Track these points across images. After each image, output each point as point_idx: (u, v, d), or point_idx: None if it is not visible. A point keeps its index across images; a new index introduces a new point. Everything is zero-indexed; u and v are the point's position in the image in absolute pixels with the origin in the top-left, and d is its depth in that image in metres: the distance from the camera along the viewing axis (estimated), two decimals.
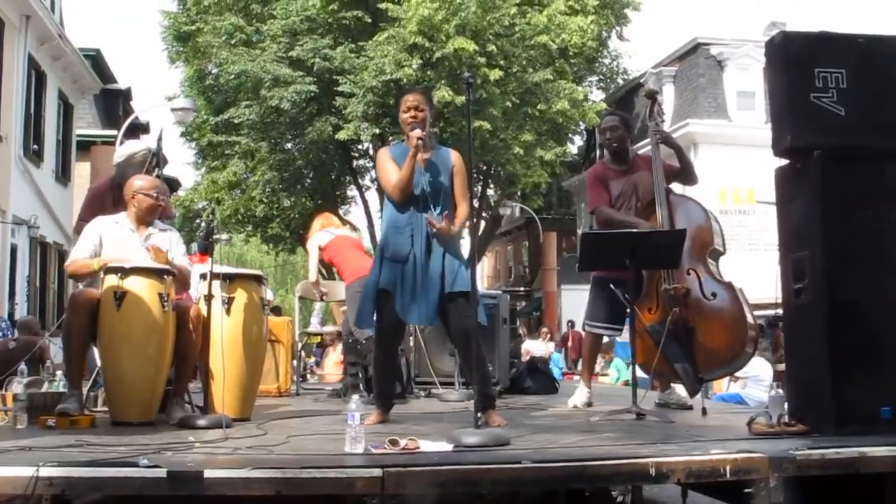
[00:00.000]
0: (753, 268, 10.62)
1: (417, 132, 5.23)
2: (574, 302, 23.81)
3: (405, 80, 21.10)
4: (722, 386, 10.74)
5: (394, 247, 5.33)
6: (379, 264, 5.40)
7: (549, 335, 24.17)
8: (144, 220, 5.64)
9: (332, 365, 14.29)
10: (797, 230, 4.77)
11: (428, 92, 5.81)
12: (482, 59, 21.48)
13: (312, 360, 19.60)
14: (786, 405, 4.72)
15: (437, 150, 5.56)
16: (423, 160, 5.36)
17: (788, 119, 4.70)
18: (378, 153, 5.77)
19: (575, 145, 32.78)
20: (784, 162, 4.89)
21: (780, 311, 4.99)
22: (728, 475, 3.68)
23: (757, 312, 6.21)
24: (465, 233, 5.31)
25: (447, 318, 5.28)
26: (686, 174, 6.61)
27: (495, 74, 21.41)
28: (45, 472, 3.28)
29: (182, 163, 36.32)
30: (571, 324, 24.25)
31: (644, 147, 6.82)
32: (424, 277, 5.26)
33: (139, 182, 5.68)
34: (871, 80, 4.68)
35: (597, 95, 28.56)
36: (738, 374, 8.60)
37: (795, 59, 4.71)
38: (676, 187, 6.58)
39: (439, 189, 5.37)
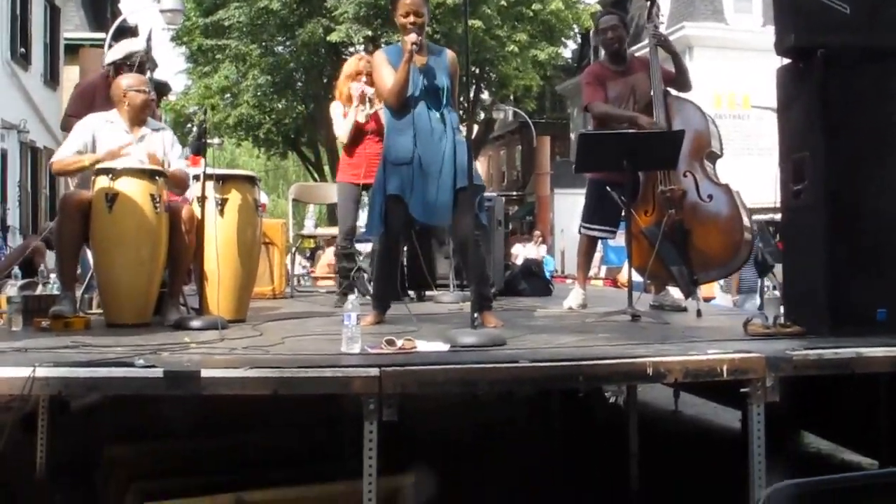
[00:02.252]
0: (747, 173, 10.61)
1: (413, 37, 5.12)
2: (567, 206, 23.83)
3: None
4: (713, 290, 10.76)
5: (396, 150, 5.24)
6: (383, 170, 5.31)
7: (541, 239, 24.19)
8: (138, 118, 5.55)
9: (324, 266, 14.33)
10: (798, 131, 4.71)
11: None
12: None
13: (307, 264, 19.64)
14: (781, 307, 4.72)
15: (434, 51, 5.45)
16: (420, 63, 5.27)
17: (792, 17, 4.60)
18: (374, 56, 5.64)
19: (568, 49, 32.48)
20: (786, 62, 4.80)
21: (775, 216, 4.97)
22: (725, 375, 3.70)
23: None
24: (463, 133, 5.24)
25: (454, 215, 5.21)
26: (681, 80, 6.52)
27: None
28: (42, 372, 3.27)
29: (173, 71, 36.02)
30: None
31: (640, 50, 6.71)
32: (436, 176, 5.16)
33: (128, 80, 5.60)
34: None
35: None
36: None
37: None
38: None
39: (440, 90, 5.26)
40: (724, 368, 3.70)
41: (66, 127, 6.29)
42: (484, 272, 5.35)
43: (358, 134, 6.98)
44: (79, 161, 5.34)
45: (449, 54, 5.47)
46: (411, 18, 5.19)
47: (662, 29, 6.72)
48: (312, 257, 21.52)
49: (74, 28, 26.54)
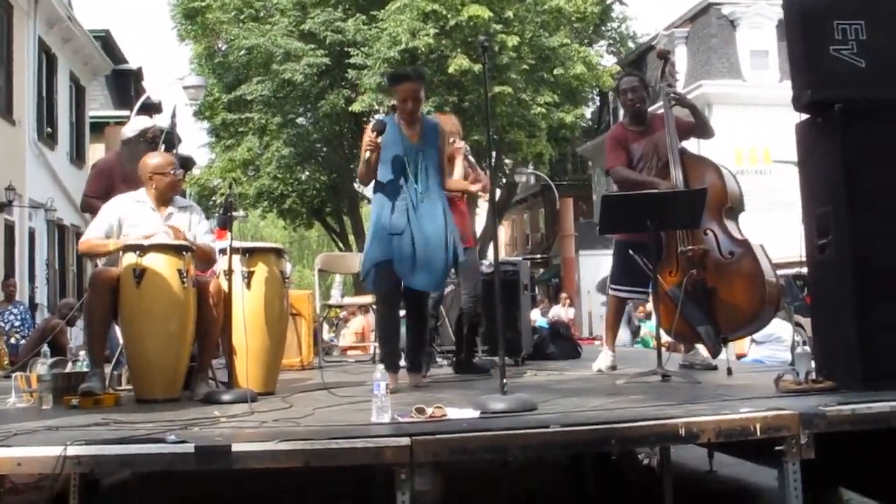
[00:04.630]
0: (771, 228, 10.56)
1: (367, 138, 5.43)
2: (592, 267, 23.81)
3: (422, 49, 21.04)
4: (744, 347, 10.62)
5: (388, 220, 5.52)
6: (373, 238, 5.60)
7: (568, 301, 24.12)
8: (164, 198, 5.60)
9: (351, 335, 14.31)
10: (819, 185, 4.70)
11: (421, 77, 5.83)
12: (498, 26, 21.42)
13: (332, 334, 19.58)
14: (812, 362, 4.68)
15: (426, 124, 5.71)
16: (413, 139, 5.55)
17: (808, 73, 4.62)
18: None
19: (589, 109, 32.69)
20: (804, 117, 4.82)
21: (801, 270, 4.94)
22: (758, 433, 3.66)
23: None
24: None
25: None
26: (701, 129, 6.55)
27: (512, 40, 21.37)
28: (73, 450, 3.28)
29: (197, 145, 36.46)
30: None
31: (659, 108, 6.73)
32: (425, 246, 5.48)
33: (155, 161, 5.63)
34: (890, 31, 4.60)
35: (608, 60, 28.49)
36: (756, 336, 8.51)
37: (813, 11, 4.63)
38: (692, 145, 6.51)
39: (427, 167, 5.57)
40: (758, 426, 3.67)
41: (86, 208, 6.34)
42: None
43: None
44: (105, 246, 5.39)
45: (440, 126, 5.79)
46: (409, 105, 5.54)
47: (679, 87, 6.74)
48: (336, 326, 21.38)
49: (99, 106, 26.98)
